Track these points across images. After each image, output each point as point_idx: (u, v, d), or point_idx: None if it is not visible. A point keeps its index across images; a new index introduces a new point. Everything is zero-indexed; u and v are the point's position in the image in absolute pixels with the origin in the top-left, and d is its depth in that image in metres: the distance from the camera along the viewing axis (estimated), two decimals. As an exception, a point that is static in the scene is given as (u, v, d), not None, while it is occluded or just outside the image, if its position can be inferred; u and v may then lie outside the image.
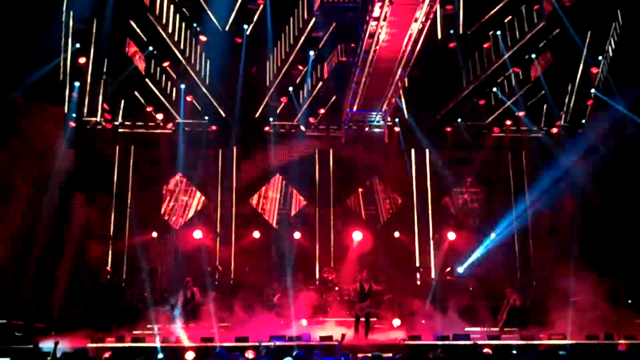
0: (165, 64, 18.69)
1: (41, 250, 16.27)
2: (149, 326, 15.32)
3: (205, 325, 15.25)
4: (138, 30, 18.12)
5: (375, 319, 15.61)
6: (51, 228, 16.67)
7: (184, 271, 17.17)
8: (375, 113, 17.88)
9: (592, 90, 19.00)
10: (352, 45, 16.29)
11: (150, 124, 19.24)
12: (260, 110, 19.47)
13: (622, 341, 12.97)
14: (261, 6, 18.59)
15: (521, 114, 19.64)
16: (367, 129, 19.12)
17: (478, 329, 15.77)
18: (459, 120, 19.88)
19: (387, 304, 16.65)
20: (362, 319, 14.63)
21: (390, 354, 10.92)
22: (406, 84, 19.41)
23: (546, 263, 18.63)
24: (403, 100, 19.73)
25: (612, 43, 18.62)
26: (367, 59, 14.25)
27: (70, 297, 16.26)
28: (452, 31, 19.22)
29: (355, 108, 17.07)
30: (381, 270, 17.24)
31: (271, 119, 19.47)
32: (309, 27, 18.70)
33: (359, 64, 14.58)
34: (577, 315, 15.10)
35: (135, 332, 14.79)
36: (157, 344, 13.01)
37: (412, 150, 20.16)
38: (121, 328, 14.73)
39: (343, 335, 11.58)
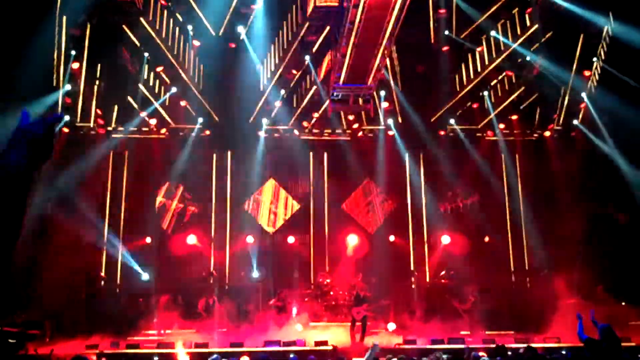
0: (159, 69, 18.66)
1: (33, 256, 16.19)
2: (143, 332, 15.28)
3: (200, 331, 15.27)
4: (131, 35, 18.08)
5: (369, 324, 15.61)
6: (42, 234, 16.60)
7: (178, 276, 17.18)
8: (361, 87, 17.63)
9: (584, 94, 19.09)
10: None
11: (143, 129, 19.22)
12: (254, 115, 19.45)
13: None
14: (255, 11, 18.56)
15: (514, 117, 19.72)
16: (353, 102, 18.60)
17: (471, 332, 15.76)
18: (453, 123, 19.93)
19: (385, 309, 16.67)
20: (358, 323, 14.64)
21: (384, 359, 10.90)
22: (400, 87, 19.52)
23: (542, 265, 18.69)
24: (397, 103, 19.77)
25: (605, 46, 18.70)
26: (352, 30, 14.21)
27: (65, 304, 16.16)
28: (446, 32, 19.23)
29: (341, 82, 16.87)
30: (374, 276, 17.28)
31: (265, 123, 19.46)
32: (303, 31, 18.70)
33: (345, 34, 14.54)
34: (572, 317, 15.12)
35: (129, 338, 14.75)
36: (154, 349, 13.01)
37: (406, 154, 20.20)
38: (115, 334, 14.63)
39: (334, 347, 11.62)
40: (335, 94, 17.25)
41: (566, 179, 18.67)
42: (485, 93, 19.80)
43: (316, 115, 19.64)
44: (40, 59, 16.50)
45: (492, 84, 19.79)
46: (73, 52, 17.35)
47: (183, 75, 18.73)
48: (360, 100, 17.70)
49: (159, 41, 18.27)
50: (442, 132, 20.03)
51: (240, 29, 18.45)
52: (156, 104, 18.71)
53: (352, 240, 18.78)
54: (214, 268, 18.49)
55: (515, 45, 18.83)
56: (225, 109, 19.02)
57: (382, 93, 19.33)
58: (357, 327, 14.66)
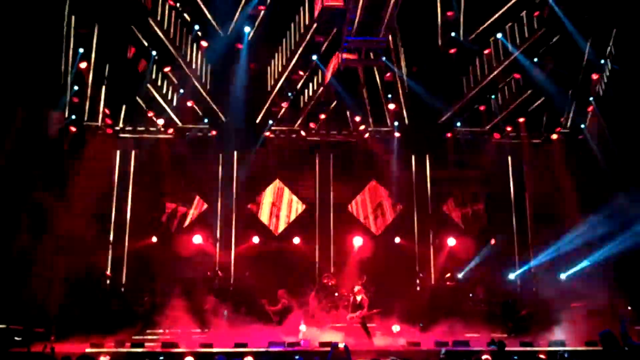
0: (166, 69, 18.69)
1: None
2: (148, 331, 15.32)
3: (205, 331, 15.32)
4: (139, 35, 18.12)
5: (374, 325, 15.63)
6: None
7: (184, 276, 17.24)
8: (373, 39, 16.60)
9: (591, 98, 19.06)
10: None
11: (151, 128, 19.26)
12: (261, 115, 19.46)
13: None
14: (262, 12, 18.59)
15: (521, 120, 19.67)
16: (365, 57, 17.12)
17: (477, 335, 15.71)
18: (459, 125, 19.89)
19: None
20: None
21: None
22: (407, 89, 19.50)
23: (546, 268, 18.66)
24: (403, 105, 19.75)
25: (613, 49, 18.65)
26: None
27: (70, 302, 16.21)
28: (453, 34, 19.18)
29: (352, 34, 16.60)
30: (379, 278, 17.31)
31: (272, 124, 19.48)
32: (310, 32, 18.70)
33: None
34: (578, 321, 15.18)
35: (134, 337, 14.79)
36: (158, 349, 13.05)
37: (413, 156, 20.18)
38: (120, 333, 14.66)
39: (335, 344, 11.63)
40: (346, 47, 16.95)
41: (572, 182, 18.63)
42: (493, 95, 19.77)
43: (323, 116, 19.64)
44: (48, 57, 16.62)
45: (500, 86, 19.72)
46: (81, 51, 17.41)
47: (190, 75, 18.76)
48: (372, 54, 17.42)
49: (166, 41, 18.32)
50: (448, 134, 20.00)
51: (248, 30, 18.46)
52: (163, 104, 18.79)
53: (358, 241, 18.76)
54: (219, 268, 18.51)
55: (522, 48, 18.83)
56: (232, 110, 19.00)
57: (389, 95, 19.39)
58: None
